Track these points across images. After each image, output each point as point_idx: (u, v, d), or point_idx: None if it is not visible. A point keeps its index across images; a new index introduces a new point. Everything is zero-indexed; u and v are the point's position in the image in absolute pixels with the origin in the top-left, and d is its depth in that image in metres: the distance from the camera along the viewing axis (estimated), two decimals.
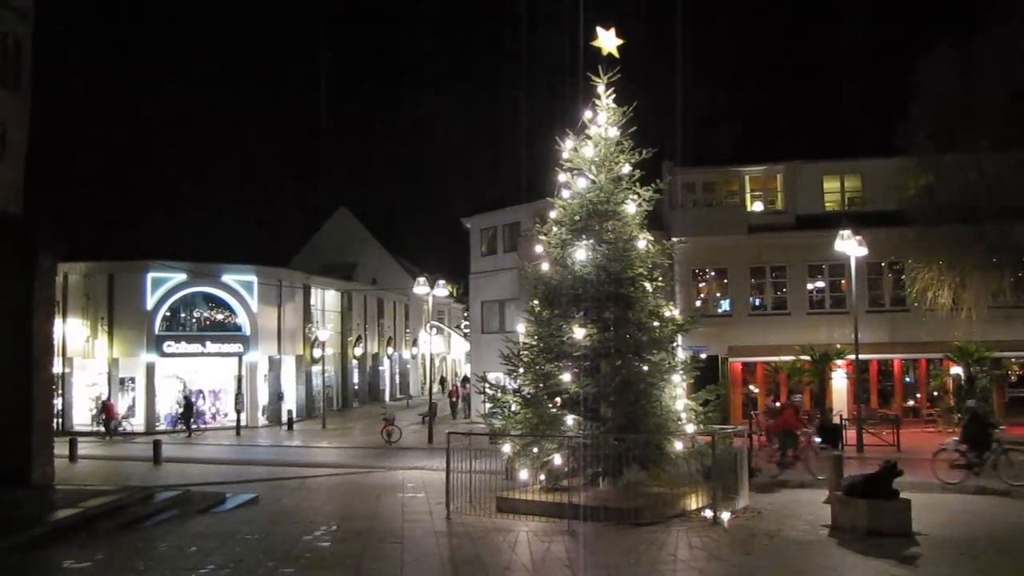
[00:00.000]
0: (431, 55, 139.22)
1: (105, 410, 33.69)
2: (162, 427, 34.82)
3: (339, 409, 45.77)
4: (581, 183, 14.51)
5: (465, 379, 47.74)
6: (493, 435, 14.31)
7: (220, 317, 37.57)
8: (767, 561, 9.92)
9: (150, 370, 35.59)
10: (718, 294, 32.21)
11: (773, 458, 18.03)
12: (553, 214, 14.86)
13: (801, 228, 30.85)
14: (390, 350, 55.27)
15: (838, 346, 27.08)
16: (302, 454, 26.96)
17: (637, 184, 14.50)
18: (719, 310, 31.72)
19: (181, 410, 35.06)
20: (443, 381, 58.63)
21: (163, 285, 35.96)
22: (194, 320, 37.28)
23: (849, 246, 23.44)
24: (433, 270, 43.44)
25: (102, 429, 33.36)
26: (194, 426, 34.38)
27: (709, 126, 35.46)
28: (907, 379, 30.80)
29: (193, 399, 35.73)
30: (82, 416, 36.15)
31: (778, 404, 27.97)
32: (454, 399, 40.54)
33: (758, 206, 32.62)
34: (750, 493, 13.66)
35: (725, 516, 12.12)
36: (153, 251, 36.69)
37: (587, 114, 14.74)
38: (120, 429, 33.58)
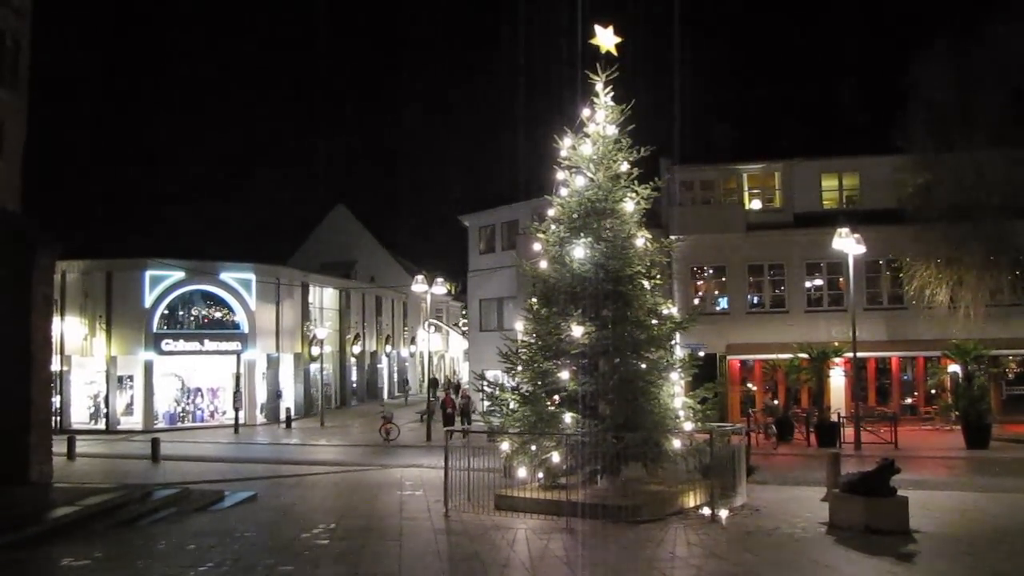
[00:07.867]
0: (429, 51, 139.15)
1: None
2: (160, 425, 34.81)
3: (337, 407, 45.75)
4: (579, 181, 14.51)
5: (441, 384, 44.60)
6: (491, 433, 14.33)
7: (218, 315, 37.50)
8: (765, 558, 9.94)
9: (148, 368, 35.52)
10: (716, 292, 32.24)
11: None
12: (551, 212, 14.86)
13: (799, 226, 30.86)
14: (388, 348, 55.24)
15: (836, 344, 27.09)
16: (300, 452, 26.96)
17: (635, 182, 14.52)
18: (717, 308, 31.73)
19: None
20: (434, 383, 44.51)
21: (161, 283, 35.88)
22: (192, 318, 37.19)
23: (847, 244, 23.48)
24: (431, 268, 43.61)
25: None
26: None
27: (707, 124, 35.31)
28: (905, 377, 30.83)
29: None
30: (80, 414, 36.13)
31: (776, 402, 28.21)
32: (449, 410, 31.13)
33: (756, 204, 32.64)
34: (748, 490, 13.69)
35: (723, 513, 12.15)
36: (151, 249, 36.60)
37: (585, 112, 14.74)
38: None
